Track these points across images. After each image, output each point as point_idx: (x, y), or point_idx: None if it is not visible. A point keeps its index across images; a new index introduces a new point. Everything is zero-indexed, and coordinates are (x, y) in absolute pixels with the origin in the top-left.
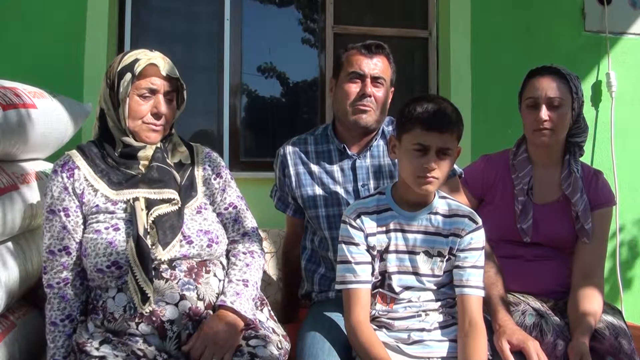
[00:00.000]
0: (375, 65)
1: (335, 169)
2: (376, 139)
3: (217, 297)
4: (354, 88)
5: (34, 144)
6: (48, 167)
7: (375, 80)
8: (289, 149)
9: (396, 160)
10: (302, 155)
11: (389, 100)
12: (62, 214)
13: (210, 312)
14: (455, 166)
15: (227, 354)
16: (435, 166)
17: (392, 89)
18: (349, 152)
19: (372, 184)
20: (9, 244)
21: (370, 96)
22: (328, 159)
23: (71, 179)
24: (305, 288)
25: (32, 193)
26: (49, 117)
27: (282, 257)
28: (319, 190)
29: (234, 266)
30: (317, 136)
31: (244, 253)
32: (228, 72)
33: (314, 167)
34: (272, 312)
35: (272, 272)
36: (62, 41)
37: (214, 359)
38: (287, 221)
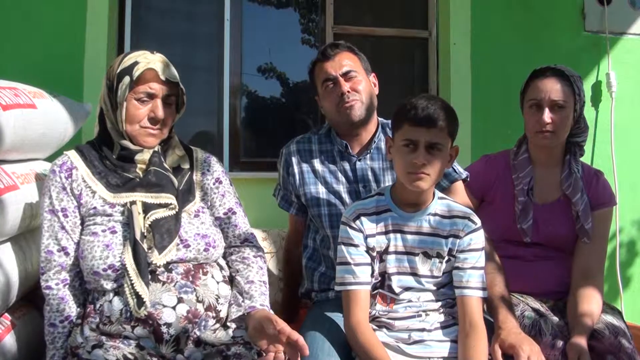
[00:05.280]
0: (340, 63)
1: (338, 169)
2: (376, 141)
3: (217, 299)
4: (332, 93)
5: (33, 144)
6: (48, 167)
7: (346, 76)
8: (293, 147)
9: None
10: (306, 154)
11: (375, 87)
12: (60, 214)
13: (210, 313)
14: (460, 168)
15: None
16: (425, 161)
17: (373, 74)
18: (350, 152)
19: (373, 185)
20: (9, 244)
21: (349, 91)
22: (331, 159)
23: (69, 179)
24: (306, 286)
25: (32, 193)
26: (49, 117)
27: (284, 256)
28: (322, 189)
29: (250, 268)
30: (321, 135)
31: (255, 257)
32: (228, 72)
33: (318, 166)
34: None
35: (273, 272)
36: (62, 41)
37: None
38: (290, 220)
